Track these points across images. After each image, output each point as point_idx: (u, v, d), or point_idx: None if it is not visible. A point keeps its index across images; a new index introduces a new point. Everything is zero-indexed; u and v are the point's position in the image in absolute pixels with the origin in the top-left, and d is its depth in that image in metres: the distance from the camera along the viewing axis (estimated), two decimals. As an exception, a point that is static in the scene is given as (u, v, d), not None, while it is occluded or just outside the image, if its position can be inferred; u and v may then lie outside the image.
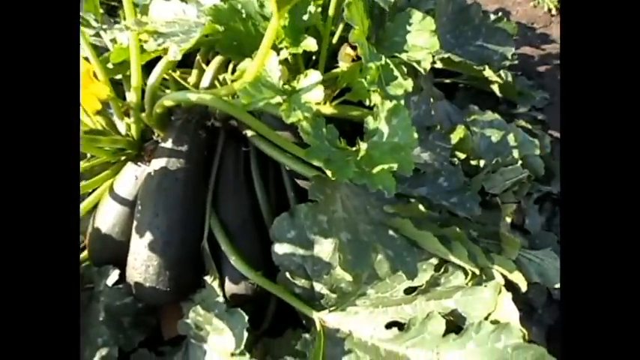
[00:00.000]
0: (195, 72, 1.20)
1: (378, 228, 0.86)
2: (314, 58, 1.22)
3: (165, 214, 1.03)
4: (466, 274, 0.93)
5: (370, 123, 0.90)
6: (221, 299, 1.13)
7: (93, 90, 1.01)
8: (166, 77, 1.26)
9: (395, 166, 0.78)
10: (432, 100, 1.20)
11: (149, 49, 0.87)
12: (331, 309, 1.02)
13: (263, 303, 1.22)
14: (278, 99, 0.85)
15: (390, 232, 0.87)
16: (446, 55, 1.23)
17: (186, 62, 1.37)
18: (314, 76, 0.86)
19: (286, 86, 0.88)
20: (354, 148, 0.93)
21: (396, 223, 0.87)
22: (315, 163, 0.93)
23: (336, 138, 0.90)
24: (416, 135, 0.86)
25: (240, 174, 1.16)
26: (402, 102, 0.90)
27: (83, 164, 1.05)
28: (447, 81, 1.65)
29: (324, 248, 1.05)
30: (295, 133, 1.11)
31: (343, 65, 1.09)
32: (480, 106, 1.40)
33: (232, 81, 0.98)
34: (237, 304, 1.16)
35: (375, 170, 0.79)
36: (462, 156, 1.25)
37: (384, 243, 0.83)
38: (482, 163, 1.28)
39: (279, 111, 0.96)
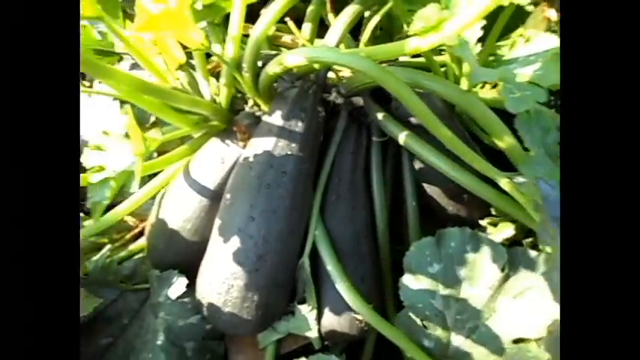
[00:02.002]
0: (308, 26, 0.89)
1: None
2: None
3: (263, 219, 0.74)
4: None
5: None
6: (314, 334, 0.84)
7: (184, 34, 0.71)
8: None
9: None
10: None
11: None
12: (482, 382, 0.72)
13: (359, 342, 0.93)
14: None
15: None
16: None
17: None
18: (543, 41, 0.54)
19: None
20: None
21: None
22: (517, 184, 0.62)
23: (556, 143, 0.58)
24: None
25: (357, 172, 0.86)
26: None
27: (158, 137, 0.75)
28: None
29: (478, 292, 0.75)
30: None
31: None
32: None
33: (397, 38, 0.66)
34: (331, 341, 0.88)
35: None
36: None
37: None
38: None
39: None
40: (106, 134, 0.68)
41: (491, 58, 0.58)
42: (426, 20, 0.53)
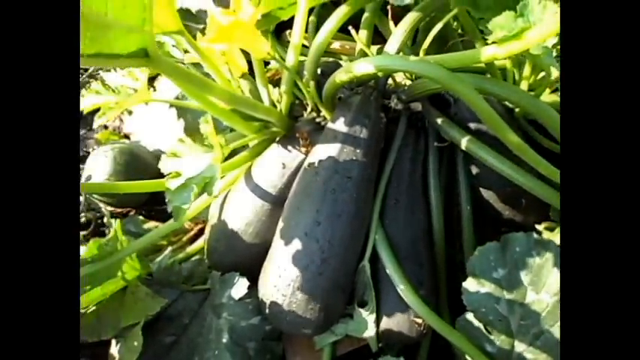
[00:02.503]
0: (364, 33, 0.90)
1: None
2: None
3: (329, 223, 0.75)
4: None
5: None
6: (371, 333, 0.86)
7: (254, 44, 0.74)
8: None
9: None
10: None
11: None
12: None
13: (413, 345, 0.94)
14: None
15: None
16: None
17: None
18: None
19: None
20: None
21: None
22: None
23: None
24: None
25: (416, 177, 0.87)
26: None
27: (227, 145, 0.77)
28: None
29: (544, 298, 0.74)
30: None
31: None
32: None
33: (450, 44, 0.67)
34: (387, 342, 0.89)
35: None
36: None
37: None
38: None
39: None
40: (182, 141, 0.71)
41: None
42: (506, 29, 0.54)
